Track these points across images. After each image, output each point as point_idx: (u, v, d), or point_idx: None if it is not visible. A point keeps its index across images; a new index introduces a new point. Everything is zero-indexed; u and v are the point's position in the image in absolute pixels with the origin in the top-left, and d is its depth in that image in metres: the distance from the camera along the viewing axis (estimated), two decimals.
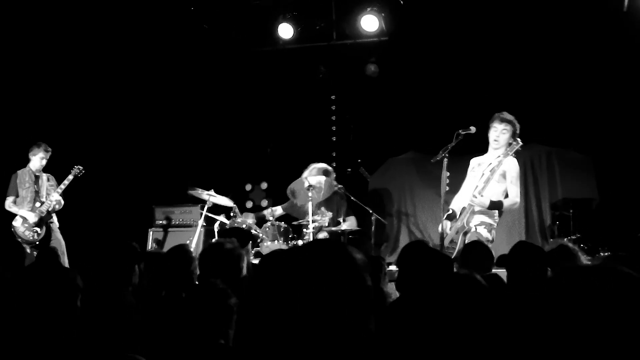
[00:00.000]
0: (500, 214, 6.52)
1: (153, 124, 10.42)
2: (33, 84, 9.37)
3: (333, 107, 10.38)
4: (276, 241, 7.89)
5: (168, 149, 10.64)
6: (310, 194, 7.72)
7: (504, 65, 9.03)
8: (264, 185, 11.32)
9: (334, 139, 10.42)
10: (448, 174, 6.68)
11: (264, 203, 11.07)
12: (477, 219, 6.36)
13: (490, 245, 6.32)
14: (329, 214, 8.04)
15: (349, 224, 8.21)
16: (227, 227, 8.24)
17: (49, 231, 8.32)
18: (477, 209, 6.34)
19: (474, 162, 6.78)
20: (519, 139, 6.43)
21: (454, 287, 2.64)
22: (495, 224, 6.45)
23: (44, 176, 8.47)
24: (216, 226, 8.44)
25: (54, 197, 8.30)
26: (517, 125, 6.49)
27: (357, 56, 9.93)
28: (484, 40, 9.07)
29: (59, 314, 2.56)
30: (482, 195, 6.23)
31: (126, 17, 9.34)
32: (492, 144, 6.54)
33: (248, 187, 11.39)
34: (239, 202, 9.25)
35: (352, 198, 8.33)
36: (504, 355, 2.43)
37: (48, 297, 2.61)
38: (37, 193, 8.31)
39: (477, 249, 5.00)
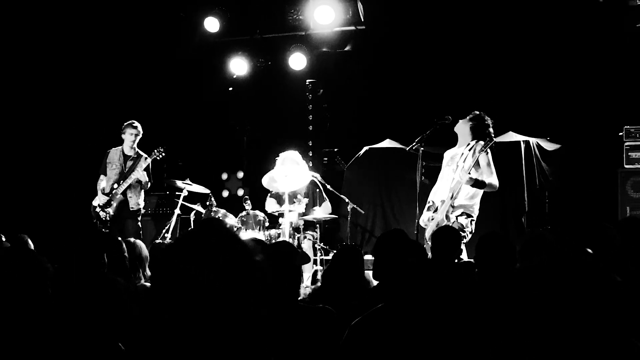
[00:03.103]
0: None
1: (129, 112, 10.29)
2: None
3: (309, 96, 10.33)
4: (251, 230, 7.83)
5: (144, 137, 10.53)
6: (286, 184, 7.69)
7: (480, 55, 9.06)
8: (240, 174, 11.27)
9: (310, 127, 10.38)
10: (424, 163, 6.74)
11: (240, 192, 11.03)
12: (458, 211, 6.47)
13: (469, 237, 6.40)
14: (305, 201, 8.01)
15: (322, 210, 8.19)
16: (203, 216, 8.20)
17: (122, 213, 7.92)
18: (456, 203, 6.41)
19: (448, 155, 6.88)
20: (492, 135, 6.56)
21: (428, 278, 2.66)
22: (475, 216, 6.52)
23: (140, 157, 8.13)
24: (192, 215, 8.40)
25: (134, 175, 7.88)
26: (485, 118, 6.60)
27: (333, 45, 9.95)
28: (460, 30, 9.09)
29: (30, 300, 2.53)
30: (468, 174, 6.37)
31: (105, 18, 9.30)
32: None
33: (224, 176, 11.34)
34: (215, 191, 9.20)
35: (327, 187, 8.30)
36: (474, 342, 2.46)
37: (19, 283, 2.59)
38: (121, 174, 8.01)
39: (445, 235, 5.00)
